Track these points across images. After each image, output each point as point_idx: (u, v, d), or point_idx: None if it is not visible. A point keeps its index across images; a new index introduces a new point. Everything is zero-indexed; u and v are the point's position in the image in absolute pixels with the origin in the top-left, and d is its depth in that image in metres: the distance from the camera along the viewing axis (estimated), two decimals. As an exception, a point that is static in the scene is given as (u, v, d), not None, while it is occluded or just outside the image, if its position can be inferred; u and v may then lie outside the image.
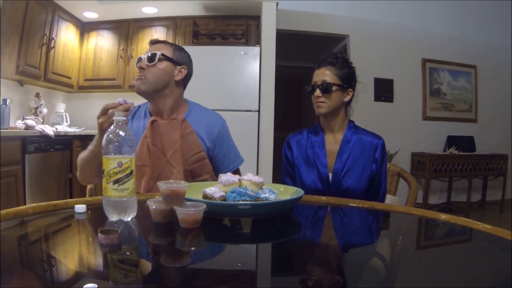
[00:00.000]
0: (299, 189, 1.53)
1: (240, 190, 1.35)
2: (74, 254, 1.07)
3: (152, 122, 1.95)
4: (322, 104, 2.00)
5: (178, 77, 2.03)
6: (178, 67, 2.04)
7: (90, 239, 1.21)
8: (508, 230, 1.18)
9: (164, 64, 1.99)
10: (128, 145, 1.26)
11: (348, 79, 2.03)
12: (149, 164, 1.89)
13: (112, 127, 1.28)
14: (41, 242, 1.15)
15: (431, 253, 1.20)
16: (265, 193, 1.40)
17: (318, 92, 1.99)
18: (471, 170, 6.14)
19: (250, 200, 1.34)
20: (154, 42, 2.08)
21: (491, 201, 6.57)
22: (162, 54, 1.98)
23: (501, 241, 1.16)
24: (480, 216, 6.25)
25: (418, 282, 0.91)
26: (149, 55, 1.97)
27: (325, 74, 1.99)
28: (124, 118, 1.29)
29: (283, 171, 2.15)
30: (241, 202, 1.31)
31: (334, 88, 1.98)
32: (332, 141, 2.06)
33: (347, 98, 2.04)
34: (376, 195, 2.01)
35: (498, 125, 6.82)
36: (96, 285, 0.75)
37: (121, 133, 1.26)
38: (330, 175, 1.99)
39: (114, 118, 1.28)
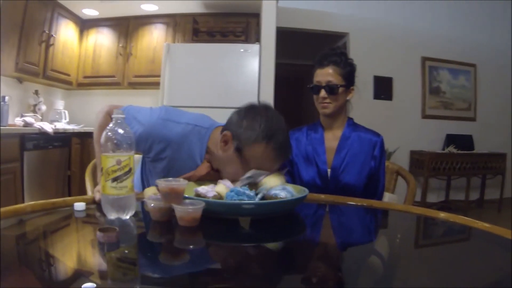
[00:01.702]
0: (303, 188, 1.52)
1: (239, 189, 1.35)
2: (72, 252, 1.07)
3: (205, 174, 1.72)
4: (328, 105, 1.97)
5: None
6: None
7: (89, 237, 1.21)
8: (506, 229, 1.18)
9: None
10: (126, 143, 1.26)
11: (351, 78, 2.01)
12: None
13: (111, 125, 1.27)
14: (39, 241, 1.15)
15: (429, 252, 1.20)
16: (276, 190, 1.39)
17: (323, 93, 1.96)
18: (469, 168, 6.14)
19: (249, 200, 1.33)
20: None
21: (489, 199, 6.57)
22: None
23: (499, 240, 1.16)
24: (479, 214, 6.25)
25: (416, 280, 0.92)
26: None
27: (329, 74, 1.96)
28: (123, 116, 1.29)
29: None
30: (245, 201, 1.30)
31: (340, 89, 1.96)
32: (331, 138, 2.05)
33: (350, 97, 2.03)
34: (374, 192, 2.00)
35: (497, 124, 6.81)
36: (95, 285, 0.75)
37: (120, 131, 1.26)
38: (329, 171, 1.99)
39: (113, 116, 1.28)
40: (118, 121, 1.28)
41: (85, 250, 1.09)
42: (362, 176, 1.97)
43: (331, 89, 1.95)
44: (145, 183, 1.93)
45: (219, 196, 1.36)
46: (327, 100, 1.97)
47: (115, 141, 1.24)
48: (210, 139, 1.71)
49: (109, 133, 1.26)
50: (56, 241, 1.16)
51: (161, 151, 1.71)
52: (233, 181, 1.49)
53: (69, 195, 4.93)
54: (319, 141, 2.05)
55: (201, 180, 1.63)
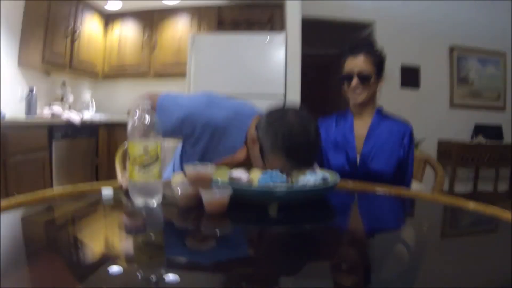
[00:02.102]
0: (334, 173, 1.51)
1: (272, 173, 1.34)
2: (99, 237, 1.08)
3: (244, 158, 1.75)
4: (359, 94, 1.95)
5: None
6: None
7: (116, 223, 1.22)
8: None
9: None
10: (154, 130, 1.26)
11: (381, 67, 2.00)
12: None
13: (137, 112, 1.28)
14: (67, 226, 1.17)
15: (454, 243, 1.18)
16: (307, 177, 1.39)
17: (356, 82, 1.94)
18: (498, 159, 6.01)
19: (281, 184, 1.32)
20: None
21: (518, 191, 6.44)
22: None
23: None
24: (507, 206, 6.12)
25: (438, 272, 0.90)
26: None
27: (361, 63, 1.93)
28: (150, 103, 1.29)
29: None
30: (277, 186, 1.29)
31: (372, 78, 1.94)
32: (361, 125, 2.03)
33: (380, 86, 2.01)
34: (402, 180, 1.98)
35: (527, 113, 6.65)
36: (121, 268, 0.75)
37: (147, 118, 1.26)
38: (358, 158, 1.98)
39: (140, 103, 1.28)
40: (145, 108, 1.28)
41: (112, 235, 1.10)
42: (390, 163, 1.96)
43: (364, 78, 1.93)
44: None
45: (252, 182, 1.36)
46: (359, 89, 1.95)
47: (142, 129, 1.25)
48: (249, 127, 1.70)
49: (136, 121, 1.26)
50: (83, 226, 1.18)
51: (203, 134, 1.72)
52: None
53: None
54: (349, 128, 2.04)
55: (239, 166, 1.61)
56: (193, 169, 1.28)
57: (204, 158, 1.76)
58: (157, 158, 1.26)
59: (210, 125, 1.70)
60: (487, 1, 6.44)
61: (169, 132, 1.71)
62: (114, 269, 0.83)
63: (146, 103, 1.28)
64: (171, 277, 0.80)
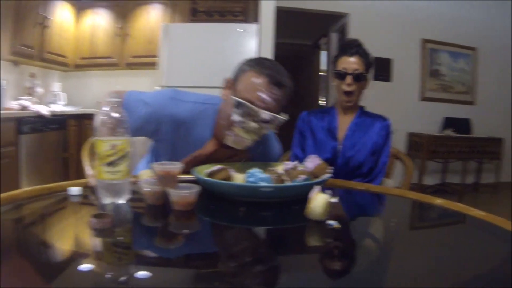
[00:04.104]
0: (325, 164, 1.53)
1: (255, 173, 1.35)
2: (67, 237, 1.07)
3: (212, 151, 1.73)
4: (352, 94, 2.12)
5: None
6: None
7: (84, 222, 1.20)
8: (502, 218, 1.17)
9: None
10: (122, 127, 1.24)
11: (371, 69, 2.18)
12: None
13: (106, 109, 1.26)
14: (35, 225, 1.15)
15: (421, 238, 1.21)
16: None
17: (350, 80, 2.09)
18: (467, 152, 6.14)
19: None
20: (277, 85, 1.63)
21: (485, 184, 6.59)
22: None
23: (494, 228, 1.16)
24: (474, 198, 6.28)
25: (405, 265, 0.92)
26: None
27: (356, 63, 2.10)
28: (119, 99, 1.27)
29: (296, 143, 2.28)
30: (263, 184, 1.30)
31: (363, 77, 2.12)
32: (345, 120, 2.21)
33: (367, 86, 2.20)
34: (375, 166, 2.16)
35: (496, 108, 6.78)
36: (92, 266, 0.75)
37: (115, 114, 1.25)
38: (340, 148, 2.15)
39: (108, 99, 1.27)
40: (114, 105, 1.26)
41: (80, 235, 1.09)
42: (369, 155, 2.14)
43: (358, 77, 2.10)
44: None
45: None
46: (352, 87, 2.11)
47: (110, 125, 1.23)
48: (218, 114, 1.71)
49: (104, 117, 1.24)
50: (51, 225, 1.16)
51: (170, 130, 1.71)
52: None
53: (67, 177, 4.93)
54: (332, 121, 2.21)
55: (211, 159, 1.66)
56: (160, 167, 1.27)
57: (174, 154, 1.74)
58: (125, 155, 1.24)
59: (175, 119, 1.69)
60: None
61: (135, 130, 1.66)
62: (83, 268, 0.83)
63: (114, 99, 1.26)
64: (140, 275, 0.81)
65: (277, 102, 1.56)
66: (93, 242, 1.01)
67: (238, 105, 1.53)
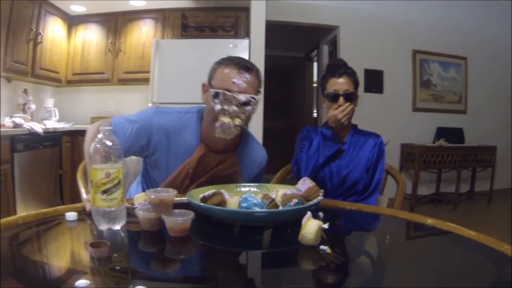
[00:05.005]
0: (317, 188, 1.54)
1: (248, 198, 1.37)
2: (64, 264, 1.07)
3: (202, 155, 1.81)
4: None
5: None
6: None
7: (81, 248, 1.21)
8: (490, 237, 1.20)
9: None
10: (115, 155, 1.26)
11: (357, 87, 2.21)
12: (182, 191, 1.75)
13: (99, 136, 1.27)
14: (31, 253, 1.15)
15: (413, 259, 1.22)
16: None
17: (342, 101, 2.12)
18: (460, 161, 6.17)
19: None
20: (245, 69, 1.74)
21: (479, 192, 6.62)
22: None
23: (484, 248, 1.18)
24: (469, 206, 6.31)
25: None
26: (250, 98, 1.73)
27: (345, 83, 2.14)
28: (111, 128, 1.29)
29: (301, 147, 2.26)
30: (256, 209, 1.32)
31: (354, 96, 2.15)
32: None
33: (357, 103, 2.21)
34: (369, 185, 2.16)
35: (488, 117, 6.85)
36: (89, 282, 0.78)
37: (108, 142, 1.26)
38: (333, 166, 2.17)
39: (100, 128, 1.28)
40: (106, 133, 1.27)
41: (76, 260, 1.09)
42: (362, 172, 2.16)
43: (349, 96, 2.13)
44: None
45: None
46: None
47: (103, 153, 1.25)
48: (202, 121, 1.84)
49: (97, 145, 1.26)
50: (47, 252, 1.16)
51: (159, 138, 1.80)
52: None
53: (61, 195, 4.94)
54: (328, 138, 2.19)
55: (202, 165, 1.80)
56: (155, 194, 1.29)
57: (167, 168, 1.82)
58: (119, 182, 1.25)
59: (163, 128, 1.80)
60: (449, 7, 6.60)
61: (128, 149, 1.78)
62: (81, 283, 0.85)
63: (106, 127, 1.28)
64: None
65: (249, 84, 1.71)
66: (89, 270, 1.02)
67: (216, 95, 1.68)
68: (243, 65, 1.72)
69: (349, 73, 2.17)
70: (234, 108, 1.67)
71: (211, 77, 1.79)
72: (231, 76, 1.70)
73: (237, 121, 1.69)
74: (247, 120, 1.75)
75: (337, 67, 2.19)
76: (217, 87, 1.71)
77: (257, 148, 2.02)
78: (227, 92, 1.67)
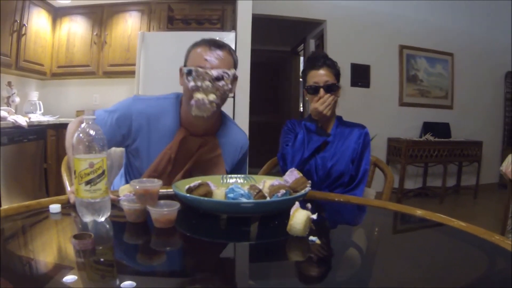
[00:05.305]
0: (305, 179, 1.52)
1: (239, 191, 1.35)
2: (49, 257, 1.05)
3: (182, 138, 1.81)
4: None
5: (234, 90, 1.88)
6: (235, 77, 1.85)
7: (65, 241, 1.18)
8: (481, 228, 1.19)
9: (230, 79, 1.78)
10: (99, 145, 1.23)
11: (339, 78, 2.19)
12: (165, 177, 1.77)
13: (82, 126, 1.25)
14: (15, 246, 1.12)
15: (403, 250, 1.22)
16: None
17: (322, 92, 2.10)
18: (446, 156, 6.23)
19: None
20: (216, 46, 1.77)
21: (465, 186, 6.69)
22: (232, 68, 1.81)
23: (474, 239, 1.17)
24: (455, 200, 6.37)
25: (387, 279, 0.93)
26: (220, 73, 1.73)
27: (325, 75, 2.12)
28: (94, 117, 1.26)
29: (286, 141, 2.25)
30: (243, 200, 1.31)
31: (335, 87, 2.13)
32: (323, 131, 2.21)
33: (339, 95, 2.18)
34: (355, 176, 2.15)
35: (474, 112, 6.93)
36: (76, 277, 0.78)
37: (92, 132, 1.23)
38: (319, 159, 2.16)
39: (84, 116, 1.25)
40: (89, 122, 1.25)
41: (63, 255, 1.07)
42: (347, 164, 2.15)
43: (330, 88, 2.11)
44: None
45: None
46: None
47: (87, 143, 1.22)
48: (181, 106, 1.86)
49: (80, 135, 1.22)
50: (32, 246, 1.13)
51: (140, 123, 1.81)
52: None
53: (47, 188, 4.88)
54: (312, 131, 2.17)
55: (183, 150, 1.80)
56: (140, 185, 1.26)
57: (148, 155, 1.83)
58: (103, 173, 1.23)
59: (143, 112, 1.82)
60: (436, 3, 6.62)
61: (110, 140, 1.72)
62: (69, 278, 0.83)
63: (89, 116, 1.25)
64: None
65: (221, 60, 1.73)
66: (74, 262, 0.99)
67: (189, 72, 1.71)
68: (214, 43, 1.76)
69: (329, 64, 2.15)
70: (207, 83, 1.68)
71: (186, 59, 1.82)
72: (203, 54, 1.73)
73: (212, 97, 1.69)
74: (222, 96, 1.76)
75: (316, 59, 2.18)
76: (191, 66, 1.74)
77: (238, 131, 2.03)
78: (199, 69, 1.69)
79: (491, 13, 6.81)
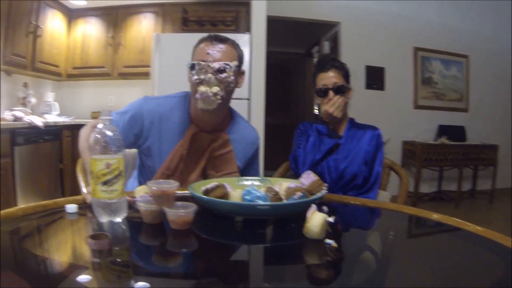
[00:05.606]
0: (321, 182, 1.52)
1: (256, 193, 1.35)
2: (64, 257, 1.05)
3: (193, 134, 1.84)
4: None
5: (241, 83, 1.92)
6: (242, 71, 1.91)
7: (82, 241, 1.18)
8: (497, 233, 1.18)
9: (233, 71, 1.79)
10: (115, 145, 1.24)
11: (349, 79, 2.18)
12: (178, 174, 1.81)
13: (99, 126, 1.25)
14: (31, 246, 1.13)
15: (419, 254, 1.20)
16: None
17: (331, 94, 2.10)
18: (461, 159, 6.16)
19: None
20: (218, 40, 1.81)
21: (481, 190, 6.59)
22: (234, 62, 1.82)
23: (491, 244, 1.16)
24: (470, 205, 6.30)
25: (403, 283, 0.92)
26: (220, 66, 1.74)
27: (333, 77, 2.12)
28: (111, 118, 1.26)
29: (298, 143, 2.25)
30: (260, 202, 1.30)
31: (344, 89, 2.12)
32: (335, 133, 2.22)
33: (350, 96, 2.18)
34: (368, 178, 2.14)
35: (489, 115, 6.83)
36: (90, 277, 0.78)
37: (109, 133, 1.24)
38: (331, 161, 2.14)
39: (101, 117, 1.26)
40: (106, 123, 1.25)
41: (79, 255, 1.07)
42: (360, 165, 2.12)
43: (339, 89, 2.11)
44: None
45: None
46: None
47: (103, 144, 1.22)
48: (190, 104, 1.89)
49: (97, 135, 1.23)
50: (48, 245, 1.14)
51: (152, 122, 1.85)
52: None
53: (62, 189, 4.92)
54: (324, 133, 2.19)
55: (195, 146, 1.82)
56: (156, 185, 1.26)
57: (160, 154, 1.85)
58: (119, 174, 1.23)
59: (154, 111, 1.86)
60: (451, 5, 6.57)
61: (122, 141, 1.72)
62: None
63: (106, 117, 1.25)
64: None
65: (223, 53, 1.76)
66: (90, 262, 1.00)
67: (192, 66, 1.75)
68: (216, 37, 1.80)
69: (337, 66, 2.15)
70: (209, 75, 1.70)
71: (192, 56, 1.84)
72: (205, 48, 1.76)
73: (215, 89, 1.71)
74: (226, 89, 1.76)
75: (324, 62, 2.18)
76: (196, 55, 1.79)
77: (247, 127, 2.06)
78: (201, 62, 1.72)
79: (506, 14, 6.72)
